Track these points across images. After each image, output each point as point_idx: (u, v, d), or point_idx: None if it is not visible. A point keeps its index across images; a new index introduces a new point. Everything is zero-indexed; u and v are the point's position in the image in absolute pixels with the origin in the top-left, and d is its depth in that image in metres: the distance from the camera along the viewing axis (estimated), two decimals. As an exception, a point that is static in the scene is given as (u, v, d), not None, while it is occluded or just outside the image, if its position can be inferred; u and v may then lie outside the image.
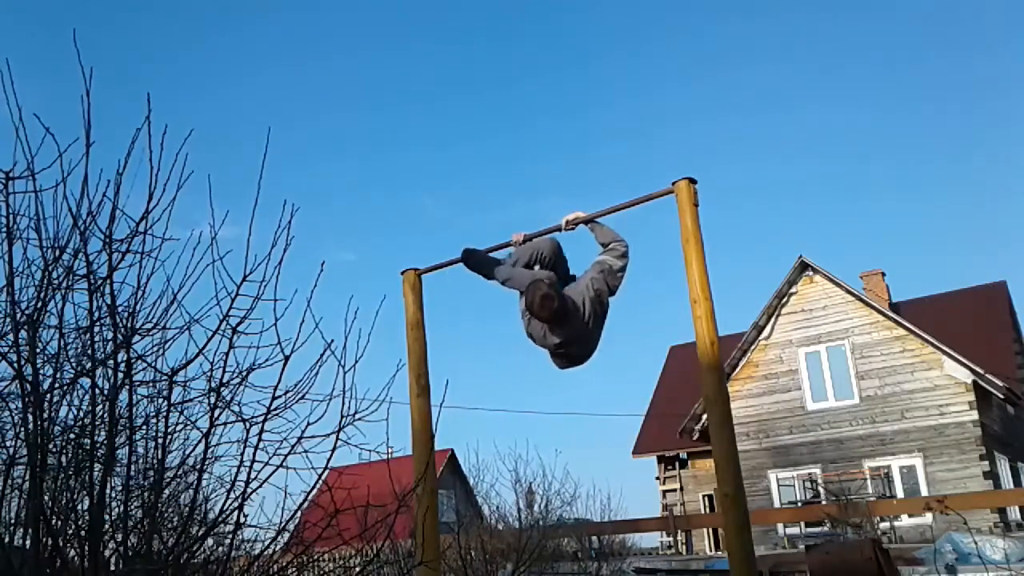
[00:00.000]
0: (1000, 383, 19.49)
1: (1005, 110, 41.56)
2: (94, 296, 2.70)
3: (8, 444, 2.71)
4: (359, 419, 2.92)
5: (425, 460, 4.61)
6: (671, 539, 21.74)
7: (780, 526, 19.90)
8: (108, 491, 2.67)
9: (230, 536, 2.87)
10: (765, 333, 22.19)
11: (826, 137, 44.71)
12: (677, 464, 26.72)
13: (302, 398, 2.88)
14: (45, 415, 2.56)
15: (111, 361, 2.67)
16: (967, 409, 19.55)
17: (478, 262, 4.69)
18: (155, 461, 2.84)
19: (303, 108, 48.29)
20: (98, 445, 2.68)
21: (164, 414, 2.82)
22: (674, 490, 26.62)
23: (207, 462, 2.80)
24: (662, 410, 26.36)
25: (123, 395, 2.72)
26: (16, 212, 2.70)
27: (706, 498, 25.60)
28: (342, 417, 2.88)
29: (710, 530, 24.15)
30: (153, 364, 2.84)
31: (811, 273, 21.93)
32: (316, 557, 3.55)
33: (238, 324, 2.83)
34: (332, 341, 2.92)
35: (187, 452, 2.90)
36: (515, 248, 4.58)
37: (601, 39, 49.34)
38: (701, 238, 4.12)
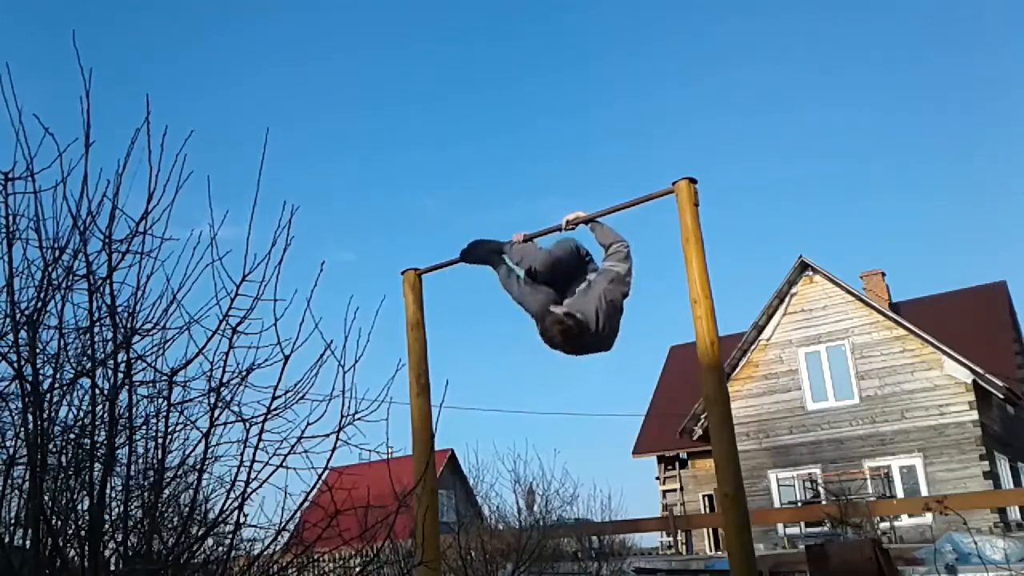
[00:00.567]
0: (1000, 383, 19.49)
1: (1005, 110, 41.60)
2: (94, 296, 2.70)
3: (8, 444, 2.71)
4: (359, 419, 2.92)
5: (425, 460, 4.61)
6: (671, 539, 21.74)
7: (780, 526, 19.90)
8: (108, 491, 2.67)
9: (230, 536, 2.87)
10: (765, 333, 22.19)
11: (826, 137, 44.73)
12: (677, 464, 26.72)
13: (302, 398, 2.88)
14: (45, 415, 2.56)
15: (111, 361, 2.67)
16: (967, 409, 19.55)
17: (479, 258, 4.69)
18: (155, 461, 2.84)
19: (303, 108, 48.32)
20: (98, 445, 2.68)
21: (164, 414, 2.82)
22: (674, 490, 26.62)
23: (207, 462, 2.80)
24: (662, 410, 26.35)
25: (123, 395, 2.72)
26: (16, 212, 2.70)
27: (706, 498, 25.60)
28: (342, 417, 2.88)
29: (710, 530, 24.16)
30: (153, 364, 2.84)
31: (811, 273, 21.93)
32: (316, 557, 3.55)
33: (238, 324, 2.83)
34: (332, 341, 2.92)
35: (187, 452, 2.90)
36: (515, 247, 4.57)
37: (601, 39, 49.36)
38: (701, 238, 4.12)
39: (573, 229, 4.45)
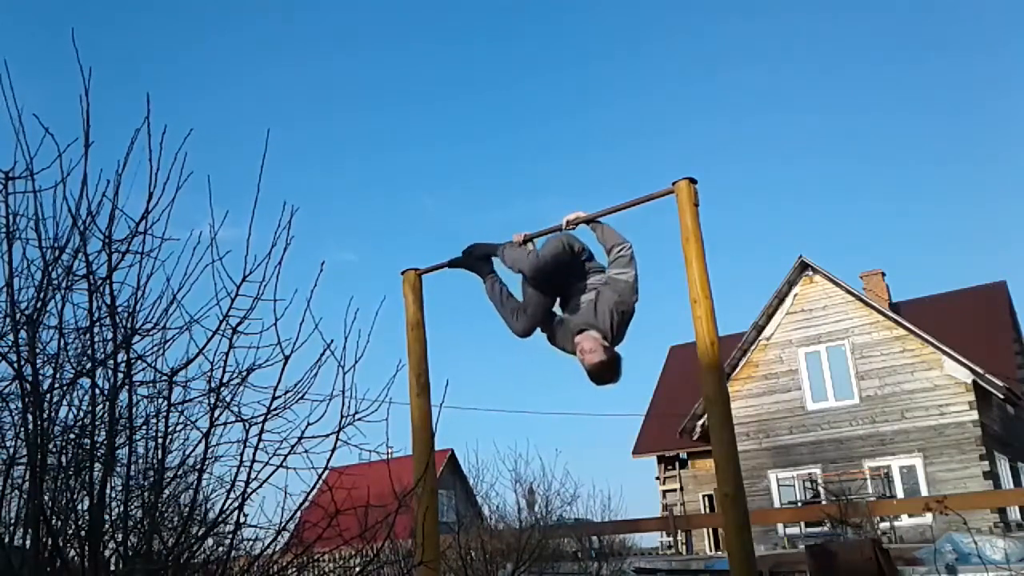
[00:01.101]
0: (1000, 383, 19.49)
1: (1005, 110, 41.60)
2: (94, 296, 2.70)
3: (8, 444, 2.71)
4: (359, 419, 2.92)
5: (425, 460, 4.61)
6: (671, 539, 21.75)
7: (780, 526, 19.90)
8: (108, 491, 2.67)
9: (230, 536, 2.87)
10: (765, 333, 22.19)
11: (826, 137, 44.74)
12: (677, 464, 26.73)
13: (302, 398, 2.88)
14: (45, 415, 2.56)
15: (111, 361, 2.67)
16: (967, 409, 19.55)
17: (467, 265, 4.70)
18: (155, 461, 2.84)
19: (303, 108, 48.34)
20: (98, 445, 2.68)
21: (164, 414, 2.82)
22: (674, 490, 26.63)
23: (207, 462, 2.80)
24: (662, 410, 26.35)
25: (123, 395, 2.72)
26: (16, 212, 2.70)
27: (706, 498, 25.60)
28: (342, 417, 2.88)
29: (710, 530, 24.16)
30: (153, 364, 2.84)
31: (811, 273, 21.94)
32: (316, 557, 3.55)
33: (238, 324, 2.83)
34: (332, 341, 2.92)
35: (187, 452, 2.90)
36: (507, 252, 4.54)
37: (601, 39, 49.37)
38: (701, 238, 4.12)
39: (573, 229, 4.44)
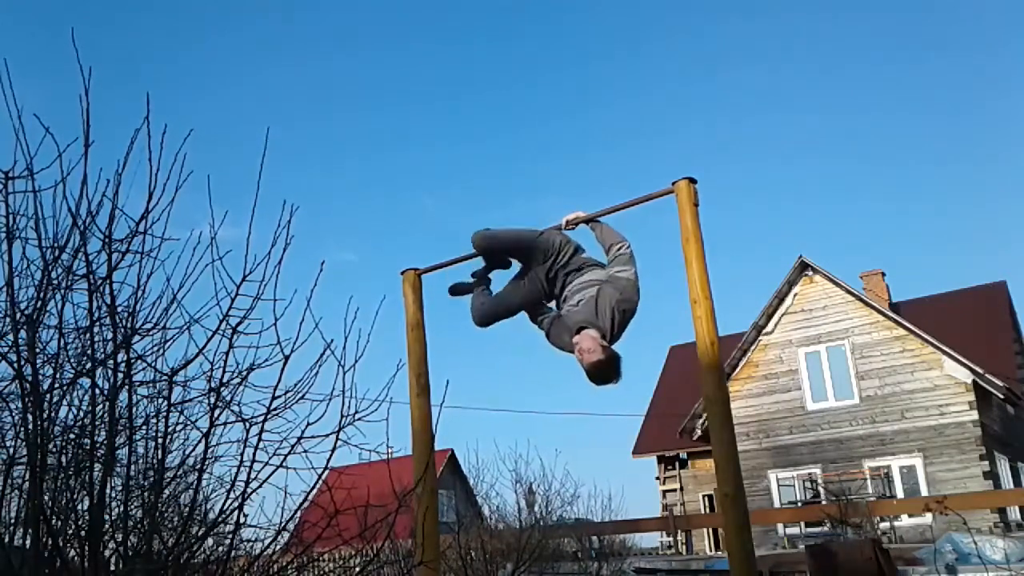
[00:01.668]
0: (1000, 383, 19.49)
1: (1005, 110, 41.59)
2: (94, 296, 2.70)
3: (8, 444, 2.71)
4: (359, 419, 2.92)
5: (425, 460, 4.61)
6: (671, 539, 21.75)
7: (780, 526, 19.90)
8: (108, 491, 2.67)
9: (230, 536, 2.87)
10: (765, 333, 22.20)
11: (826, 137, 44.73)
12: (677, 464, 26.73)
13: (302, 398, 2.88)
14: (45, 415, 2.56)
15: (111, 361, 2.67)
16: (967, 409, 19.55)
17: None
18: (155, 461, 2.84)
19: (303, 108, 48.33)
20: (98, 445, 2.68)
21: (164, 414, 2.82)
22: (674, 490, 26.63)
23: (207, 462, 2.80)
24: (662, 410, 26.35)
25: (123, 395, 2.72)
26: (15, 212, 2.70)
27: (706, 498, 25.60)
28: (342, 417, 2.88)
29: (710, 530, 24.16)
30: (153, 364, 2.84)
31: (811, 273, 21.94)
32: (316, 557, 3.55)
33: (238, 324, 2.82)
34: (332, 341, 2.92)
35: (187, 452, 2.90)
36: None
37: (601, 39, 49.36)
38: (701, 238, 4.12)
39: (573, 229, 4.44)
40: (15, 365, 2.54)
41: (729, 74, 44.14)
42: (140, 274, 2.76)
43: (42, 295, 2.65)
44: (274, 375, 2.84)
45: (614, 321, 4.00)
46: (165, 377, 2.82)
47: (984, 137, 44.70)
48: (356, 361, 2.93)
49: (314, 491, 2.99)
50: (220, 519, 2.81)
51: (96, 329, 2.71)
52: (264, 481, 2.81)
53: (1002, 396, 20.13)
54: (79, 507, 2.66)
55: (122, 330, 2.71)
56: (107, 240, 2.70)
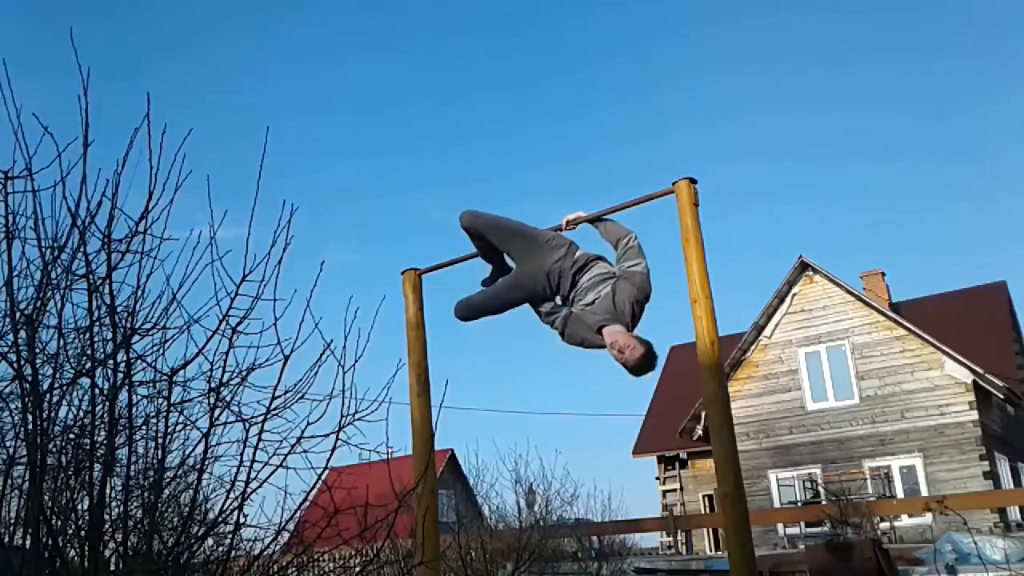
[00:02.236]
0: (1000, 383, 19.49)
1: (1005, 110, 41.60)
2: (93, 296, 2.70)
3: (8, 444, 2.71)
4: (359, 419, 2.92)
5: (425, 460, 4.61)
6: (671, 539, 21.74)
7: (780, 526, 19.90)
8: (108, 491, 2.66)
9: (230, 536, 2.87)
10: (765, 333, 22.19)
11: (827, 137, 44.74)
12: (677, 464, 26.72)
13: (302, 398, 2.88)
14: (45, 415, 2.56)
15: (111, 361, 2.67)
16: (967, 409, 19.55)
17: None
18: (155, 461, 2.84)
19: (303, 108, 48.32)
20: (98, 445, 2.68)
21: (164, 414, 2.81)
22: (674, 490, 26.63)
23: (207, 462, 2.80)
24: (662, 410, 26.35)
25: (123, 395, 2.71)
26: (15, 212, 2.70)
27: (706, 498, 25.60)
28: (342, 417, 2.88)
29: (710, 530, 24.15)
30: (153, 364, 2.84)
31: (811, 273, 21.94)
32: (316, 557, 3.55)
33: (238, 324, 2.82)
34: (332, 341, 2.92)
35: (187, 452, 2.90)
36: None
37: (601, 40, 49.37)
38: (701, 238, 4.11)
39: (574, 229, 4.42)
40: (15, 365, 2.54)
41: (729, 74, 44.19)
42: (140, 274, 2.76)
43: (42, 295, 2.65)
44: (274, 375, 2.84)
45: (634, 315, 4.03)
46: (165, 377, 2.82)
47: (984, 137, 44.73)
48: (356, 361, 2.93)
49: (314, 491, 2.99)
50: (220, 519, 2.81)
51: (96, 329, 2.70)
52: (264, 481, 2.81)
53: (1002, 396, 20.13)
54: (79, 507, 2.66)
55: (122, 330, 2.71)
56: (107, 240, 2.70)
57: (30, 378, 2.54)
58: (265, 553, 2.92)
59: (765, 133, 44.82)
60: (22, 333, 2.59)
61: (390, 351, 4.23)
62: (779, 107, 43.63)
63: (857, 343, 20.94)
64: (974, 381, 19.50)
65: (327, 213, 43.62)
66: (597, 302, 4.07)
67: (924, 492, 18.78)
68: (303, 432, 2.83)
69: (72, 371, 2.71)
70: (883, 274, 25.41)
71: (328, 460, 2.90)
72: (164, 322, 2.82)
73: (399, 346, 4.98)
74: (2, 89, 2.60)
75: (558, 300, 4.32)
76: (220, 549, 2.92)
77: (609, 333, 3.97)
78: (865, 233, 48.34)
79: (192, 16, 43.37)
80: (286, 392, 2.86)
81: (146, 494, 2.84)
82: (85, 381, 2.68)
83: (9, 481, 2.66)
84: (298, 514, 3.01)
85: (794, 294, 22.06)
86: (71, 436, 2.72)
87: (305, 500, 2.98)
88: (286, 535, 3.01)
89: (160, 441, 2.81)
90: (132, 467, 2.84)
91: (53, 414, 2.64)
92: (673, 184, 4.21)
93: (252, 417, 2.82)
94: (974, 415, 19.43)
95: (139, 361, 2.77)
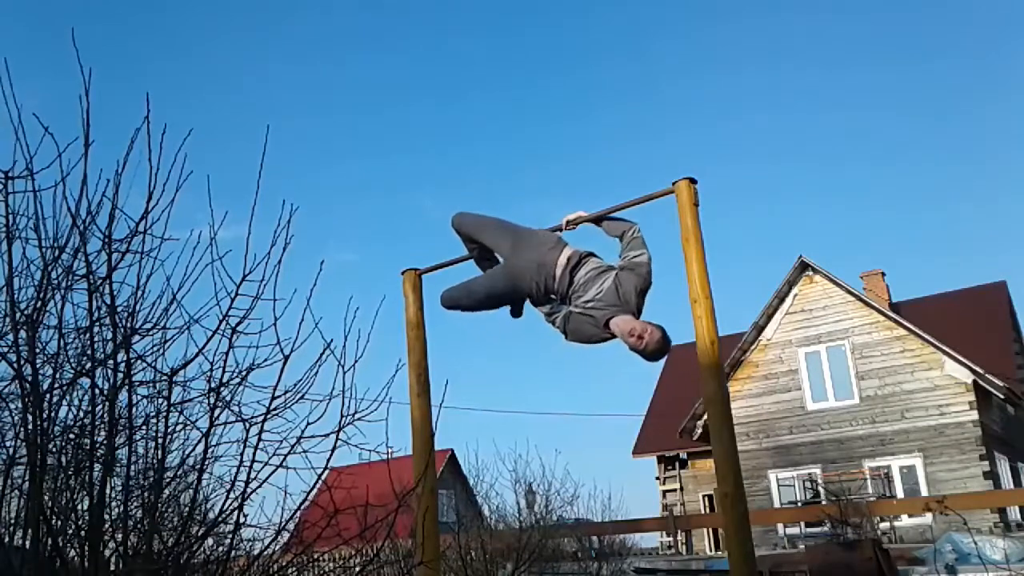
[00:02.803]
0: (1000, 383, 19.49)
1: (1005, 110, 41.60)
2: (94, 296, 2.70)
3: (8, 444, 2.71)
4: (359, 419, 2.92)
5: (425, 460, 4.61)
6: (671, 539, 21.74)
7: (780, 526, 19.89)
8: (108, 491, 2.66)
9: (230, 536, 2.87)
10: (765, 333, 22.19)
11: (827, 137, 44.74)
12: (677, 464, 26.71)
13: (302, 398, 2.88)
14: (45, 415, 2.56)
15: (111, 361, 2.67)
16: (967, 409, 19.54)
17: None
18: (155, 461, 2.84)
19: (303, 108, 48.32)
20: (98, 445, 2.68)
21: (164, 414, 2.81)
22: (674, 490, 26.62)
23: (207, 462, 2.80)
24: (662, 410, 26.35)
25: (123, 395, 2.71)
26: (15, 212, 2.70)
27: (706, 498, 25.59)
28: (342, 417, 2.88)
29: (710, 530, 24.15)
30: (153, 364, 2.83)
31: (811, 273, 21.94)
32: (316, 557, 3.55)
33: (238, 324, 2.82)
34: (332, 341, 2.92)
35: (187, 452, 2.90)
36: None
37: (601, 40, 49.37)
38: (701, 238, 4.11)
39: (574, 229, 4.42)
40: (15, 365, 2.54)
41: (729, 74, 44.19)
42: (140, 274, 2.76)
43: (42, 295, 2.65)
44: (274, 375, 2.84)
45: (639, 306, 4.05)
46: (165, 377, 2.82)
47: (984, 137, 44.73)
48: (356, 361, 2.93)
49: (314, 491, 2.99)
50: (220, 519, 2.81)
51: (96, 329, 2.71)
52: (264, 481, 2.81)
53: (1002, 396, 20.13)
54: (79, 507, 2.66)
55: (122, 330, 2.71)
56: (107, 240, 2.70)
57: (30, 378, 2.54)
58: (265, 553, 2.92)
59: (765, 133, 44.86)
60: (22, 333, 2.59)
61: (390, 351, 4.23)
62: (779, 107, 43.67)
63: (857, 343, 20.94)
64: (974, 381, 19.50)
65: (327, 213, 43.65)
66: (600, 296, 4.07)
67: (924, 492, 18.78)
68: (303, 432, 2.84)
69: (72, 371, 2.71)
70: (883, 274, 25.42)
71: (328, 460, 2.90)
72: (164, 322, 2.82)
73: (399, 346, 4.98)
74: (3, 89, 2.60)
75: (553, 297, 4.31)
76: (220, 549, 2.92)
77: (622, 322, 3.98)
78: (865, 233, 48.39)
79: (192, 16, 43.37)
80: (286, 392, 2.86)
81: (146, 494, 2.84)
82: (85, 381, 2.68)
83: (9, 481, 2.66)
84: (298, 514, 3.01)
85: (794, 294, 22.06)
86: (71, 436, 2.72)
87: (305, 500, 2.98)
88: (286, 535, 3.01)
89: (160, 441, 2.81)
90: (132, 467, 2.84)
91: (53, 414, 2.64)
92: (673, 184, 4.21)
93: (252, 417, 2.82)
94: (974, 415, 19.43)
95: (139, 361, 2.78)
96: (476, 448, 11.76)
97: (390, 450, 3.27)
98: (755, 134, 44.34)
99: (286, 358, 2.85)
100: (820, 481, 20.19)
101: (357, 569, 3.43)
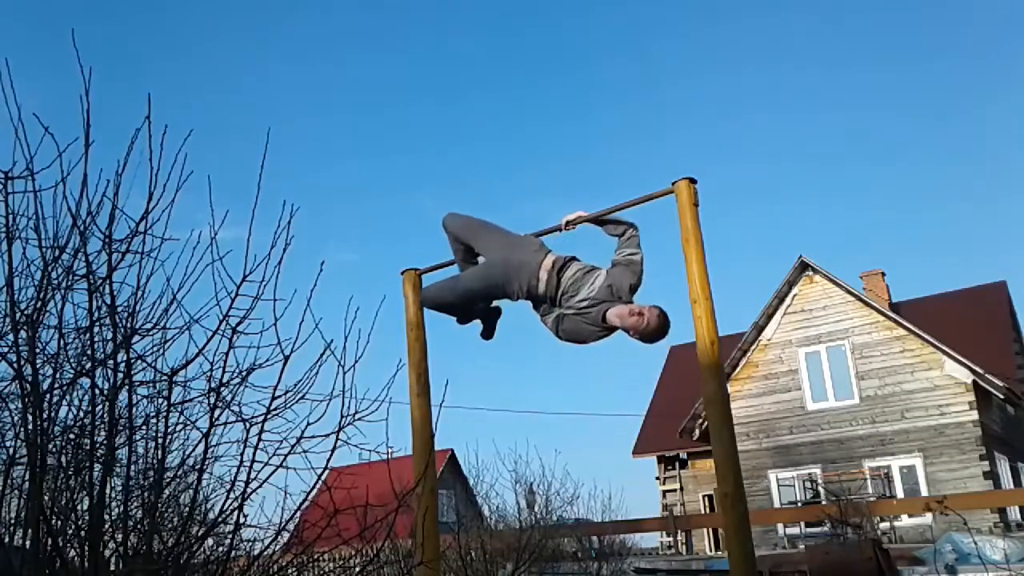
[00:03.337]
0: (1000, 383, 19.49)
1: (1005, 110, 41.59)
2: (94, 296, 2.70)
3: (8, 444, 2.71)
4: (359, 419, 2.92)
5: (425, 460, 4.61)
6: (671, 539, 21.75)
7: (780, 526, 19.89)
8: (108, 491, 2.66)
9: (230, 536, 2.87)
10: (765, 333, 22.19)
11: (827, 137, 44.74)
12: (677, 464, 26.72)
13: (302, 398, 2.88)
14: (45, 415, 2.56)
15: (111, 361, 2.67)
16: (967, 409, 19.55)
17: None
18: (155, 461, 2.84)
19: (303, 108, 48.33)
20: (98, 445, 2.68)
21: (164, 414, 2.81)
22: (674, 490, 26.62)
23: (207, 462, 2.80)
24: (662, 410, 26.35)
25: (123, 395, 2.71)
26: (15, 212, 2.70)
27: (706, 498, 25.60)
28: (342, 417, 2.88)
29: (710, 530, 24.15)
30: (153, 364, 2.84)
31: (811, 273, 21.94)
32: (316, 557, 3.55)
33: (238, 324, 2.82)
34: (332, 341, 2.92)
35: (187, 452, 2.90)
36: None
37: (601, 40, 49.38)
38: (701, 238, 4.11)
39: (573, 229, 4.43)
40: (15, 365, 2.54)
41: (729, 74, 44.19)
42: (140, 274, 2.76)
43: (42, 295, 2.65)
44: (274, 375, 2.84)
45: (630, 302, 4.08)
46: (165, 377, 2.82)
47: (984, 137, 44.73)
48: (356, 361, 2.93)
49: (314, 491, 2.99)
50: (220, 519, 2.81)
51: (96, 329, 2.71)
52: (264, 481, 2.81)
53: (1002, 396, 20.13)
54: (79, 507, 2.66)
55: (122, 330, 2.71)
56: (107, 240, 2.70)
57: (30, 378, 2.55)
58: (265, 553, 2.92)
59: (765, 133, 44.84)
60: (22, 333, 2.59)
61: (390, 351, 4.23)
62: (779, 107, 43.65)
63: (857, 343, 20.94)
64: (974, 381, 19.50)
65: (327, 213, 43.64)
66: (593, 294, 4.10)
67: (924, 492, 18.78)
68: (303, 432, 2.84)
69: (72, 371, 2.71)
70: (883, 274, 25.42)
71: (328, 460, 2.90)
72: (164, 322, 2.82)
73: (399, 346, 4.98)
74: (3, 89, 2.60)
75: (536, 299, 4.31)
76: (220, 549, 2.92)
77: (620, 309, 4.03)
78: (865, 233, 48.39)
79: (192, 16, 43.36)
80: (286, 392, 2.86)
81: (146, 494, 2.84)
82: (85, 381, 2.68)
83: (9, 481, 2.66)
84: (298, 514, 3.01)
85: (794, 294, 22.06)
86: (71, 436, 2.72)
87: (305, 500, 2.98)
88: (286, 535, 3.01)
89: (160, 441, 2.81)
90: (132, 467, 2.85)
91: (53, 414, 2.64)
92: (673, 184, 4.21)
93: (252, 417, 2.82)
94: (974, 415, 19.43)
95: (139, 361, 2.78)
96: (476, 448, 11.78)
97: (390, 450, 3.27)
98: (755, 134, 44.37)
99: (286, 358, 2.85)
100: (820, 481, 20.19)
101: (357, 569, 3.43)
